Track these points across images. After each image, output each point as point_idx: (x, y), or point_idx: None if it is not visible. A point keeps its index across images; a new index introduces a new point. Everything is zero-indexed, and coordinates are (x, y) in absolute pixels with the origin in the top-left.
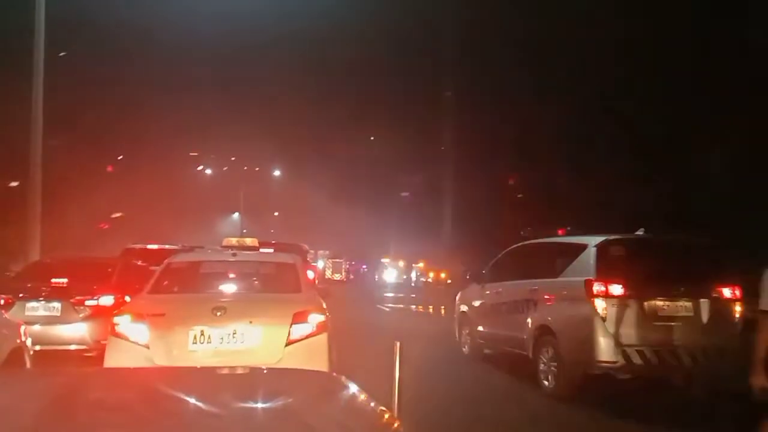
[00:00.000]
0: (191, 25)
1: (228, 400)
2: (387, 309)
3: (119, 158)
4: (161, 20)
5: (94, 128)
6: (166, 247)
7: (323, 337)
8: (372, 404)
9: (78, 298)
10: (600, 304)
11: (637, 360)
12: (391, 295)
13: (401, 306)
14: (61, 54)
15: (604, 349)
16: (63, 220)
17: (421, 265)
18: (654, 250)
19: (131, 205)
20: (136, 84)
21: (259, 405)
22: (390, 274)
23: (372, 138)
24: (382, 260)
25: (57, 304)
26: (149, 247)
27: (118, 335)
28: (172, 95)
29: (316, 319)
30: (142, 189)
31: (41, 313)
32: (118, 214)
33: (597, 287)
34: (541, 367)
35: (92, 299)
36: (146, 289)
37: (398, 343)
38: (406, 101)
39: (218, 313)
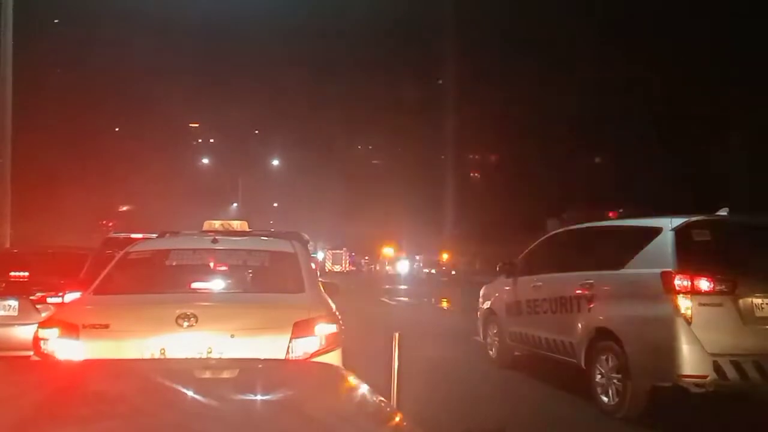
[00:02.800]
0: (196, 11)
1: (227, 392)
2: (392, 302)
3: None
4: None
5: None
6: (152, 236)
7: (335, 356)
8: (374, 397)
9: (39, 294)
10: (683, 303)
11: (732, 373)
12: (393, 287)
13: (405, 299)
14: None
15: (690, 359)
16: (60, 211)
17: (422, 256)
18: (746, 235)
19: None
20: (131, 70)
21: (259, 397)
22: (392, 265)
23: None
24: (384, 251)
25: (14, 302)
26: (133, 236)
27: (43, 356)
28: (172, 78)
29: (325, 329)
30: (137, 179)
31: None
32: (125, 208)
33: (679, 281)
34: (598, 378)
35: (56, 296)
36: (90, 289)
37: (397, 334)
38: (409, 93)
39: (186, 323)
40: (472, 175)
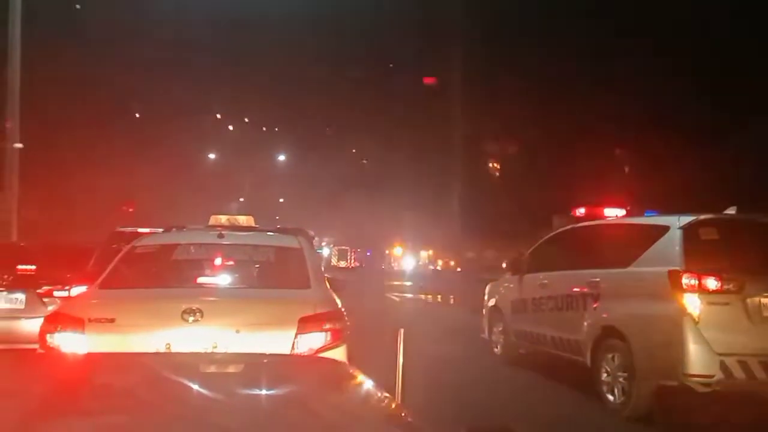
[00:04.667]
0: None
1: (233, 387)
2: (396, 299)
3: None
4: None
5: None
6: (159, 230)
7: (340, 352)
8: (379, 393)
9: (46, 288)
10: (690, 302)
11: (738, 373)
12: (398, 283)
13: (410, 295)
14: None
15: (697, 358)
16: (68, 203)
17: (429, 252)
18: (754, 234)
19: (136, 191)
20: (134, 65)
21: (265, 392)
22: (397, 261)
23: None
24: (389, 248)
25: (21, 296)
26: (140, 230)
27: (48, 349)
28: (182, 72)
29: (330, 325)
30: (146, 175)
31: (2, 305)
32: (130, 209)
33: (687, 280)
34: (604, 377)
35: (63, 290)
36: (96, 283)
37: (401, 330)
38: (416, 88)
39: (191, 318)
40: (482, 170)
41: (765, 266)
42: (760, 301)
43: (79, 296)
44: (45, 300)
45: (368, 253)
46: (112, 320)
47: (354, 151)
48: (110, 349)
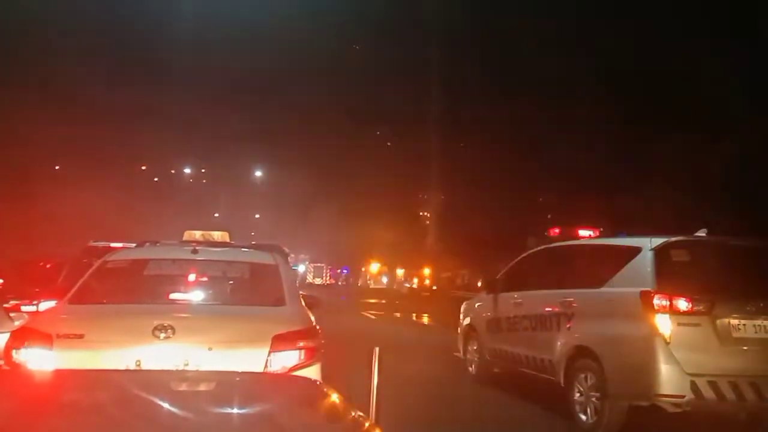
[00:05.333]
0: (167, 17)
1: (205, 405)
2: (372, 316)
3: (56, 168)
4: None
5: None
6: (132, 245)
7: (314, 370)
8: (353, 412)
9: (13, 302)
10: (662, 323)
11: (708, 394)
12: (373, 301)
13: (385, 313)
14: None
15: (668, 379)
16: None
17: (404, 270)
18: (724, 256)
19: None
20: (99, 84)
21: (237, 410)
22: (373, 279)
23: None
24: (365, 265)
25: None
26: (112, 245)
27: (14, 366)
28: (148, 95)
29: (305, 343)
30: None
31: None
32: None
33: (658, 301)
34: (577, 396)
35: (30, 305)
36: (66, 297)
37: (377, 349)
38: (394, 108)
39: (162, 335)
40: (453, 191)
41: (734, 287)
42: (729, 322)
43: (47, 311)
44: (12, 315)
45: (344, 271)
46: (81, 336)
47: (341, 163)
48: (79, 365)
